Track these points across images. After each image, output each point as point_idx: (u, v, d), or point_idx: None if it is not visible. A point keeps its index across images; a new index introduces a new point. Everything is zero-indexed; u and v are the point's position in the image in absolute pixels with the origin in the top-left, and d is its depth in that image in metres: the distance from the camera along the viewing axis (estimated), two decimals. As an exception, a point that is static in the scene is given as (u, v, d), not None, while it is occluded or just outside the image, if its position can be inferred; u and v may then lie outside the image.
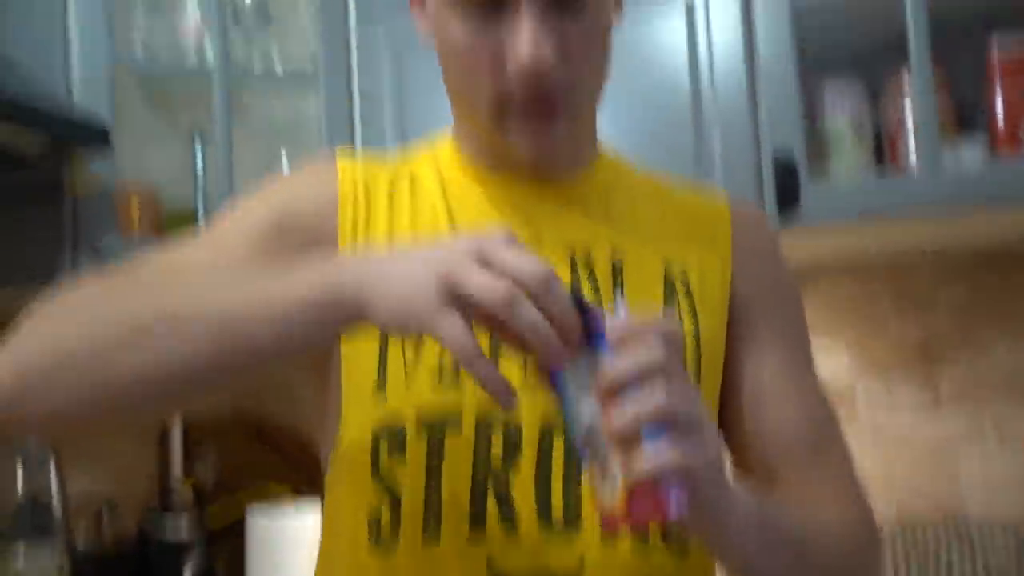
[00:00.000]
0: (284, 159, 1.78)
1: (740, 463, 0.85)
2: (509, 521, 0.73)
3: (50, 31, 1.47)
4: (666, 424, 0.58)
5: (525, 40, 0.71)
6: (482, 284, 0.58)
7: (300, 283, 0.64)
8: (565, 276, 0.79)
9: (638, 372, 0.58)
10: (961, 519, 1.64)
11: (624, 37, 1.51)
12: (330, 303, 0.62)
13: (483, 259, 0.60)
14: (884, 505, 1.69)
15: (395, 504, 0.74)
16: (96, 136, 1.30)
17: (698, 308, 0.82)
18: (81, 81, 1.46)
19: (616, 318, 0.62)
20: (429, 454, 0.74)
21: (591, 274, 0.80)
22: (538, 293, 0.59)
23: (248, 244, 0.78)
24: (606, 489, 0.59)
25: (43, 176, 1.37)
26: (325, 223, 0.80)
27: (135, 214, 1.51)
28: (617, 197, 0.86)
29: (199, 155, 1.64)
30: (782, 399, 0.83)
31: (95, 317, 0.67)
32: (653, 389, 0.58)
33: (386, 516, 0.75)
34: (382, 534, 0.75)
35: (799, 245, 1.61)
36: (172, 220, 1.64)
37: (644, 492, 0.57)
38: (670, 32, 1.51)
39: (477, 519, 0.73)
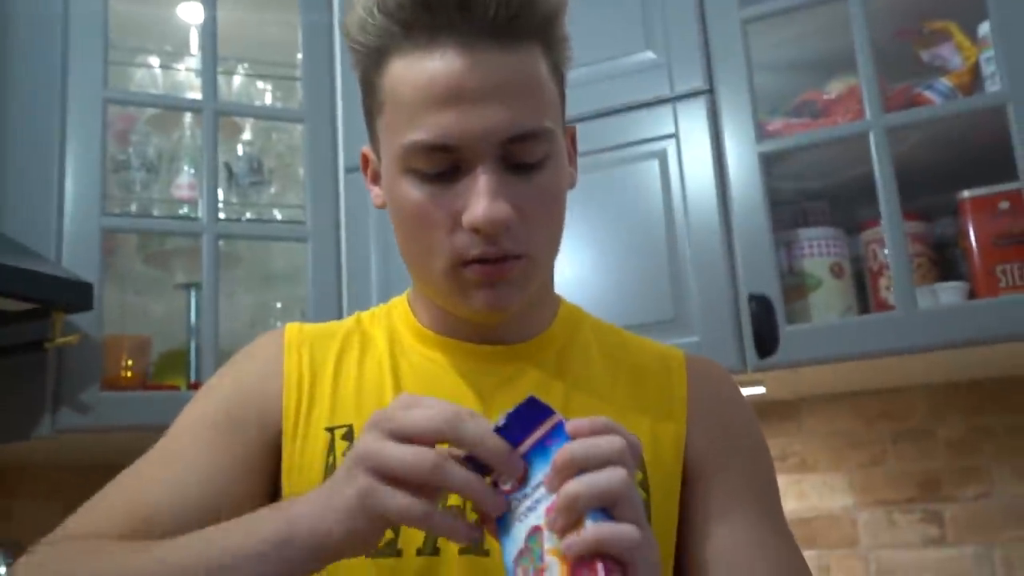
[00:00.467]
0: (278, 304, 1.82)
1: None
2: None
3: (45, 193, 1.53)
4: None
5: (482, 196, 0.71)
6: (404, 460, 0.58)
7: (260, 529, 0.64)
8: None
9: (597, 455, 0.58)
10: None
11: (599, 183, 1.55)
12: (286, 541, 0.63)
13: (391, 431, 0.60)
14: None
15: None
16: (80, 295, 1.34)
17: (649, 479, 0.81)
18: (71, 238, 1.52)
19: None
20: None
21: None
22: (457, 436, 0.59)
23: (202, 448, 0.79)
24: None
25: (26, 332, 1.40)
26: (271, 404, 0.82)
27: (124, 364, 1.54)
28: (572, 358, 0.86)
29: (193, 303, 1.68)
30: (751, 562, 0.80)
31: None
32: (610, 473, 0.57)
33: None
34: None
35: (783, 383, 1.60)
36: (165, 364, 1.67)
37: (580, 569, 0.55)
38: (645, 178, 1.55)
39: None
